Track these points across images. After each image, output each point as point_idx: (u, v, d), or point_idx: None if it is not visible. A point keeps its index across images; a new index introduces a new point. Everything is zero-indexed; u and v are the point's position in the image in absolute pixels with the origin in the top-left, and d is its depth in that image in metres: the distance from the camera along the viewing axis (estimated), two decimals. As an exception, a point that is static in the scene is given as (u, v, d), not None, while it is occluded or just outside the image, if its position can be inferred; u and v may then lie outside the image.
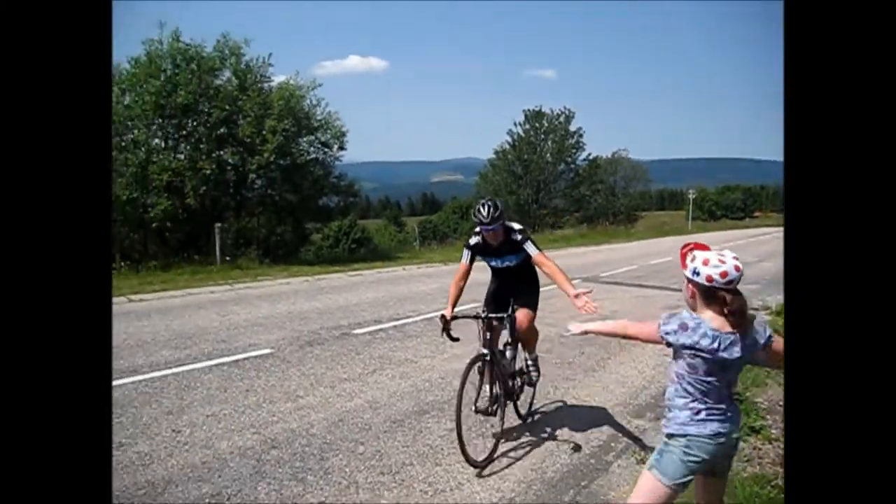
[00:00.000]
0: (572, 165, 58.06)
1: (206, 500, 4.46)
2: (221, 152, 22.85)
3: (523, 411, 6.30)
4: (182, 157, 22.63)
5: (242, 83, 23.29)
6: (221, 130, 22.87)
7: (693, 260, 3.05)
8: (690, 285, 3.06)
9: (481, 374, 5.39)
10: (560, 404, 6.81)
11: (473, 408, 5.27)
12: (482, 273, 6.05)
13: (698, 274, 2.99)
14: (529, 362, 6.09)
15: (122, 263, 18.36)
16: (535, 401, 6.59)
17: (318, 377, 7.36)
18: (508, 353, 5.85)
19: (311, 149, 24.92)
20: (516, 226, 5.53)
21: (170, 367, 7.60)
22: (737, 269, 2.95)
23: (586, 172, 58.24)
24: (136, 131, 22.31)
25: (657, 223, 64.39)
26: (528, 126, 56.88)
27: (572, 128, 56.81)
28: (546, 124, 56.75)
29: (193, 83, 21.97)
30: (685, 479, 3.05)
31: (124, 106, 22.06)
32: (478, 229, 5.51)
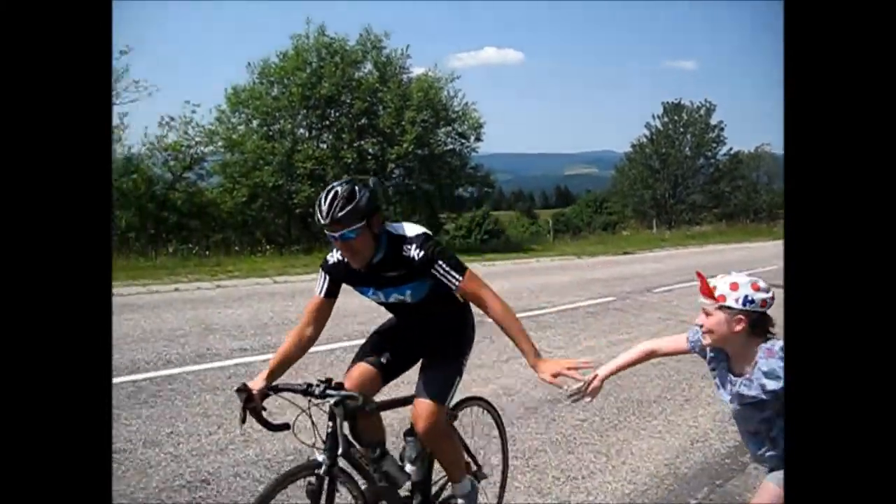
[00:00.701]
0: (712, 160, 56.11)
1: (345, 475, 4.70)
2: (362, 142, 23.68)
3: None
4: (325, 146, 23.61)
5: (383, 75, 23.99)
6: (362, 121, 23.68)
7: (738, 288, 2.66)
8: (741, 316, 2.65)
9: (314, 497, 2.99)
10: (692, 401, 6.71)
11: None
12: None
13: (753, 301, 2.63)
14: (451, 496, 3.71)
15: (268, 247, 19.28)
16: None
17: (454, 362, 7.54)
18: (410, 450, 3.56)
19: (449, 140, 25.35)
20: (412, 230, 3.21)
21: (314, 345, 7.95)
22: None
23: (727, 167, 56.13)
24: (282, 121, 23.45)
25: (803, 222, 61.21)
26: (666, 119, 55.38)
27: (713, 121, 54.86)
28: (685, 117, 55.07)
29: (337, 75, 22.82)
30: None
31: (272, 98, 23.21)
32: None
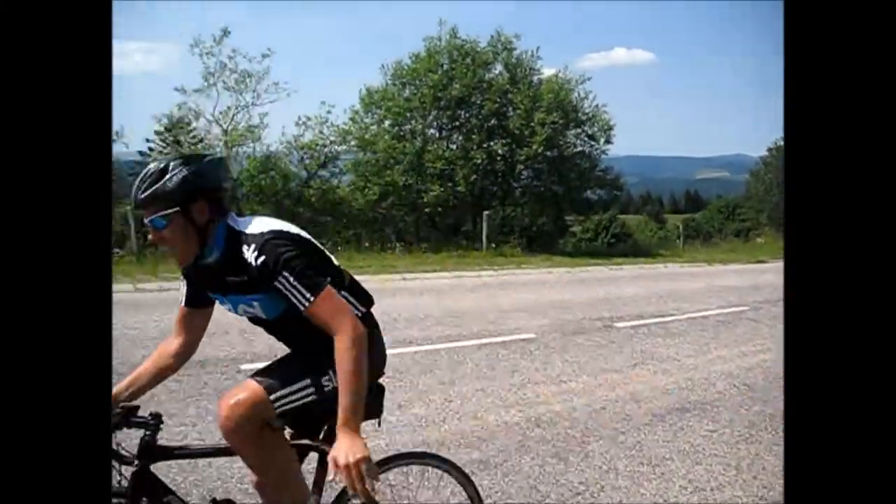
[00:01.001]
0: (857, 165, 53.14)
1: (476, 465, 4.80)
2: (491, 143, 23.88)
3: None
4: (455, 147, 23.97)
5: (513, 76, 24.12)
6: (492, 122, 23.87)
7: None
8: None
9: None
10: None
11: None
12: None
13: None
14: None
15: (397, 244, 19.79)
16: None
17: (581, 365, 7.55)
18: None
19: (578, 141, 25.23)
20: (257, 225, 2.45)
21: (442, 342, 8.18)
22: None
23: (873, 174, 53.00)
24: (413, 122, 23.97)
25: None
26: (808, 122, 52.82)
27: (859, 125, 51.94)
28: (829, 120, 52.37)
29: (468, 77, 23.10)
30: None
31: (404, 98, 23.78)
32: None
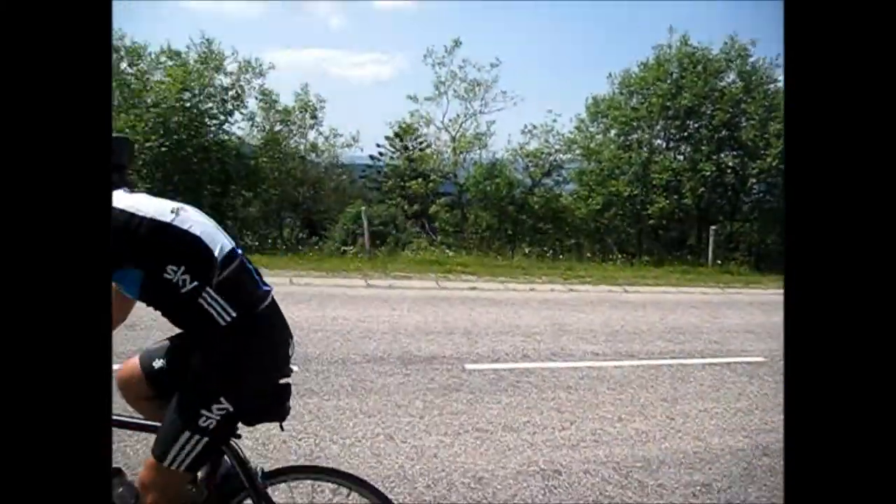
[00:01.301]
0: None
1: (697, 487, 4.72)
2: (722, 155, 22.96)
3: None
4: (682, 158, 23.29)
5: (747, 85, 23.01)
6: (723, 133, 22.93)
7: None
8: None
9: None
10: None
11: None
12: None
13: None
14: None
15: (619, 256, 19.61)
16: None
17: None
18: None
19: (817, 155, 23.66)
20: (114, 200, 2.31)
21: (664, 358, 8.07)
22: None
23: None
24: (640, 132, 23.58)
25: None
26: None
27: None
28: None
29: (698, 85, 22.36)
30: None
31: (631, 108, 23.47)
32: None
